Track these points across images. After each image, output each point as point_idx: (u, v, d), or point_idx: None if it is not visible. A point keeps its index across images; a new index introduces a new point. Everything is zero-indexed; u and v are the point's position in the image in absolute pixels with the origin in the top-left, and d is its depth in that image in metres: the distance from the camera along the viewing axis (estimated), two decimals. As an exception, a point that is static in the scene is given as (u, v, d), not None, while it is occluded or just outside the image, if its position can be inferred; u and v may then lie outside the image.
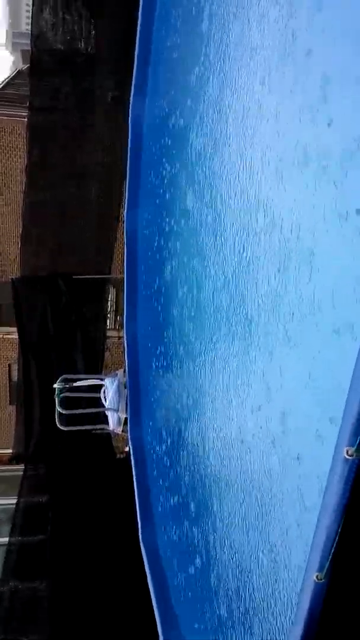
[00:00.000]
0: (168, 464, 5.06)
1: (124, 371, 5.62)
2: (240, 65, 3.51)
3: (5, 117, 14.43)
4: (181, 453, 4.78)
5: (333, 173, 2.36)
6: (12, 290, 7.73)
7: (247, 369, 3.55)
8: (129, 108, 5.84)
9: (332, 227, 2.35)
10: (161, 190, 5.45)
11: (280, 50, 2.88)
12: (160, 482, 5.18)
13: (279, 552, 2.82)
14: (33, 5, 6.80)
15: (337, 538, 1.94)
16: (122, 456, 8.52)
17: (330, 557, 1.96)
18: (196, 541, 4.13)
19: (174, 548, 4.62)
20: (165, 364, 5.11)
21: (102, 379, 5.74)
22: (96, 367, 8.00)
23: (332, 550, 1.95)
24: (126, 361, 5.78)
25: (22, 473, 8.16)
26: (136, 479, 5.42)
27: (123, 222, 6.31)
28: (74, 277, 7.57)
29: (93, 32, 7.14)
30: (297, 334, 2.71)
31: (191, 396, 4.55)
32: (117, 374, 5.64)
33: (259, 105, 3.17)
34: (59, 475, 7.83)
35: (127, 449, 7.31)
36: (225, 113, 3.80)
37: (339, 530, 1.93)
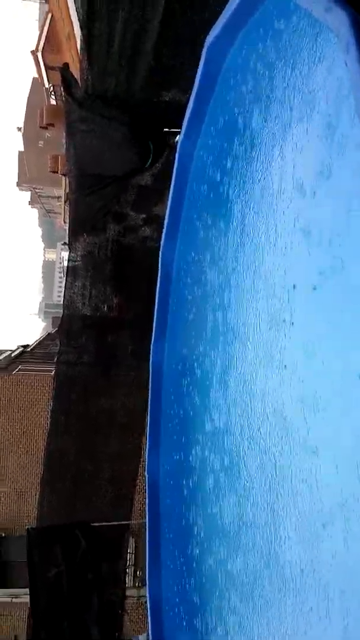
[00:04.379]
0: None
1: (147, 636, 4.94)
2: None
3: (34, 373, 15.58)
4: None
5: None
6: (26, 542, 7.30)
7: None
8: (147, 360, 6.31)
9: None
10: (179, 435, 5.57)
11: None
12: None
13: None
14: (65, 286, 7.84)
15: None
16: None
17: None
18: None
19: None
20: (193, 623, 4.52)
21: (121, 649, 5.02)
22: (113, 635, 7.06)
23: None
24: (149, 626, 5.13)
25: None
26: None
27: (144, 468, 6.26)
28: (92, 524, 7.21)
29: (115, 300, 8.13)
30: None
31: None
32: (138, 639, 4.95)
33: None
34: None
35: None
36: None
37: None
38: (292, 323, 3.23)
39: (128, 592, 8.49)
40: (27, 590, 7.95)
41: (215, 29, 3.60)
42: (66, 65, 5.92)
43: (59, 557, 7.23)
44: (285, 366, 3.41)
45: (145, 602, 5.66)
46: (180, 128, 4.95)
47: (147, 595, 5.27)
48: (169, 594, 5.18)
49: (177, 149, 4.90)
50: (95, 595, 7.21)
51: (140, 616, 11.51)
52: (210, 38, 3.69)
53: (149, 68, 5.06)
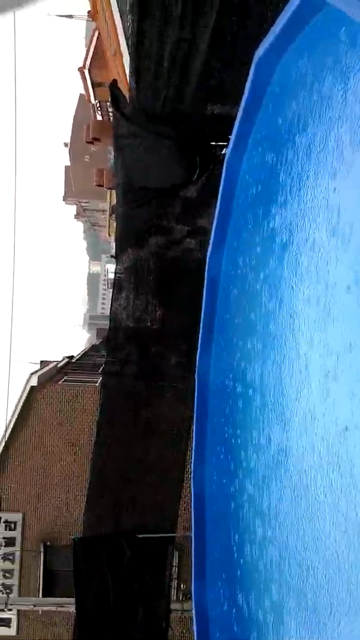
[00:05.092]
0: None
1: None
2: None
3: (81, 383, 15.82)
4: None
5: None
6: (72, 551, 7.38)
7: None
8: (190, 371, 6.34)
9: None
10: (224, 447, 5.54)
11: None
12: None
13: None
14: (112, 298, 7.93)
15: None
16: None
17: None
18: None
19: None
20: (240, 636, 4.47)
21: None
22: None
23: None
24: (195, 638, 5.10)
25: None
26: None
27: (189, 481, 6.26)
28: (137, 535, 7.23)
29: (159, 312, 8.17)
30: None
31: None
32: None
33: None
34: None
35: None
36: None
37: None
38: (350, 344, 3.18)
39: (172, 606, 8.43)
40: (71, 599, 8.01)
41: (264, 44, 3.63)
42: (115, 81, 6.06)
43: (104, 567, 7.26)
44: (335, 378, 3.36)
45: (190, 616, 5.63)
46: (227, 141, 4.99)
47: (193, 608, 5.25)
48: (215, 606, 5.15)
49: (225, 162, 4.94)
50: (140, 606, 7.19)
51: (183, 630, 11.42)
52: (259, 53, 3.72)
53: (196, 83, 5.13)
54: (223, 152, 5.79)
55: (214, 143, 6.12)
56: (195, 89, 5.21)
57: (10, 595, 13.78)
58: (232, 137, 4.56)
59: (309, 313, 3.86)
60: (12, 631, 15.32)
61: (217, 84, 5.16)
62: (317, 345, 3.68)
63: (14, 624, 15.22)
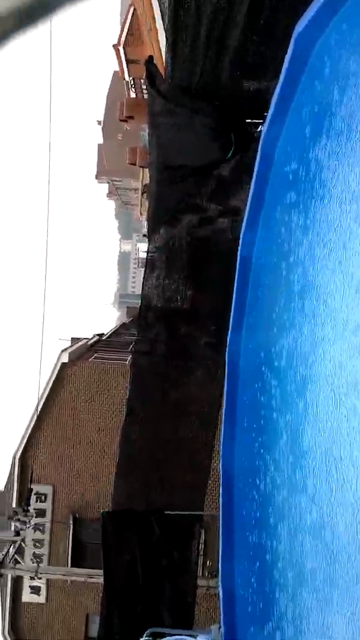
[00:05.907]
0: None
1: (219, 627, 4.98)
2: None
3: (111, 361, 15.99)
4: None
5: None
6: (101, 526, 7.52)
7: None
8: (220, 352, 6.31)
9: None
10: (254, 426, 5.54)
11: None
12: None
13: None
14: (144, 278, 7.91)
15: None
16: None
17: None
18: None
19: None
20: (266, 613, 4.53)
21: (194, 636, 5.07)
22: (185, 622, 7.17)
23: None
24: (222, 616, 5.17)
25: None
26: None
27: (218, 461, 6.29)
28: (165, 512, 7.32)
29: (189, 292, 8.14)
30: None
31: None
32: (211, 630, 4.99)
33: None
34: None
35: None
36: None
37: None
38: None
39: (198, 582, 8.56)
40: (101, 571, 8.20)
41: (305, 18, 3.52)
42: (150, 58, 5.97)
43: (133, 542, 7.39)
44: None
45: (216, 592, 5.71)
46: (264, 118, 4.89)
47: (220, 584, 5.31)
48: (241, 584, 5.20)
49: (261, 139, 4.85)
50: (167, 582, 7.31)
51: (209, 606, 11.60)
52: (299, 28, 3.62)
53: (233, 58, 5.02)
54: (259, 129, 5.68)
55: (249, 120, 6.00)
56: (232, 65, 5.11)
57: (40, 565, 14.19)
58: (269, 115, 4.47)
59: (343, 291, 3.81)
60: (41, 599, 15.83)
61: (254, 59, 5.04)
62: (350, 323, 3.63)
63: (43, 592, 15.72)
